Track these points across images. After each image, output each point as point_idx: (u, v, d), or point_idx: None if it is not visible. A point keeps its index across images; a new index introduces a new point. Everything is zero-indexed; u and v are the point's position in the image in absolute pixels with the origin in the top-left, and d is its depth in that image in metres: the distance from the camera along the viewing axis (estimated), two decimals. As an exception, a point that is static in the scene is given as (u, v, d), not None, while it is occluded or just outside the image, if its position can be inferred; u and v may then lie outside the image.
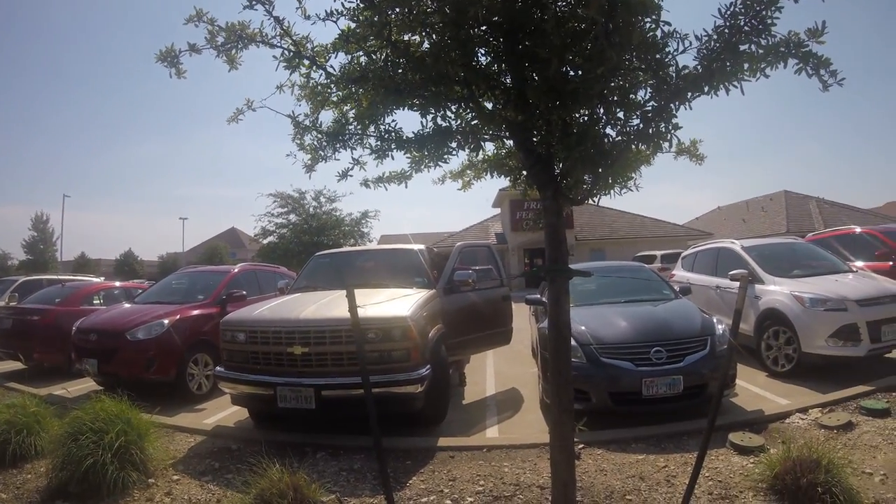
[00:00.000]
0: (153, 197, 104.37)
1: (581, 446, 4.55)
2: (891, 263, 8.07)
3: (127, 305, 8.34)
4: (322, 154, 3.14)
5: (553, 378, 2.47)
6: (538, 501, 3.71)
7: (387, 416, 4.73)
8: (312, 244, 26.16)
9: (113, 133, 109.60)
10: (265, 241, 31.95)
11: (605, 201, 2.78)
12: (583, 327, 5.52)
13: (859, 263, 8.33)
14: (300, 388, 4.85)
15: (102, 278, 14.43)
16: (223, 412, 6.34)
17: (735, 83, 2.28)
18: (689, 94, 2.33)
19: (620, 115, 2.42)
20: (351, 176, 3.04)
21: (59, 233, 44.91)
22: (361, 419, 2.88)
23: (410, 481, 4.15)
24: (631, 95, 2.44)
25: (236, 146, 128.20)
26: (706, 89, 2.31)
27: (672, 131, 2.40)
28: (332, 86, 2.98)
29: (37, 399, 5.31)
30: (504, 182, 3.32)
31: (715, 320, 5.78)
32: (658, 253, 21.25)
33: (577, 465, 3.84)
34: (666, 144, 2.42)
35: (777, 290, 7.02)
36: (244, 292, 8.08)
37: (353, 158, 2.98)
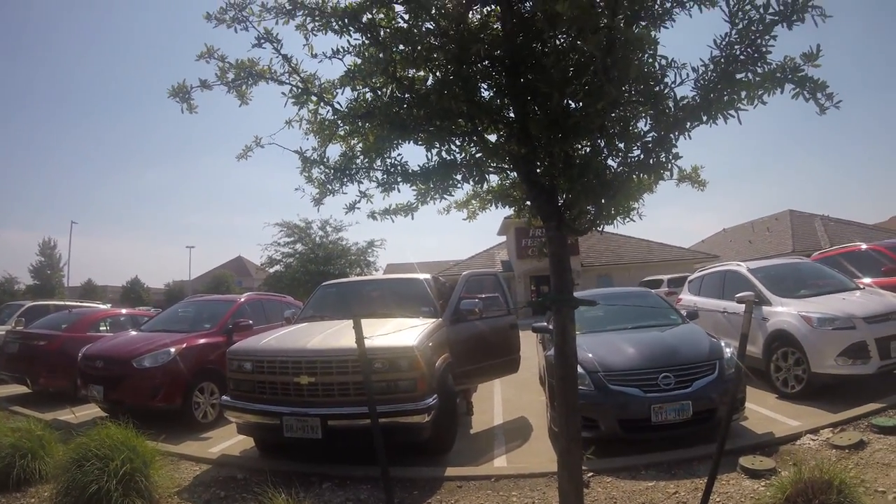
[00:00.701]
0: (160, 225, 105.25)
1: (590, 474, 4.50)
2: None
3: (133, 333, 8.36)
4: (330, 188, 3.19)
5: (560, 407, 2.48)
6: (548, 532, 3.67)
7: (393, 446, 4.71)
8: (319, 273, 26.22)
9: (120, 160, 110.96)
10: (271, 270, 32.07)
11: (610, 227, 2.81)
12: (590, 354, 5.50)
13: (866, 280, 8.29)
14: (306, 417, 4.83)
15: (109, 305, 14.47)
16: (229, 441, 6.30)
17: (732, 112, 2.33)
18: (688, 123, 2.38)
19: (621, 146, 2.47)
20: (358, 209, 3.10)
21: (66, 258, 45.19)
22: (368, 449, 2.88)
23: (418, 512, 4.11)
24: (631, 127, 2.50)
25: (243, 175, 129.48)
26: (704, 119, 2.36)
27: (672, 161, 2.45)
28: (339, 121, 3.05)
29: (42, 424, 5.30)
30: (509, 210, 3.37)
31: (723, 344, 5.74)
32: (665, 277, 21.24)
33: (586, 494, 3.81)
34: (667, 174, 2.46)
35: (784, 312, 6.99)
36: (250, 321, 8.09)
37: (360, 191, 3.04)
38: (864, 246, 9.79)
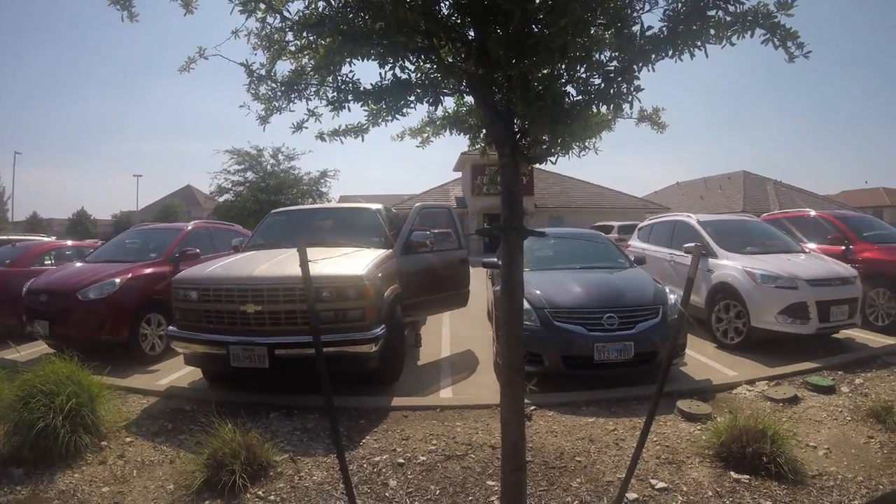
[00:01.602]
0: (107, 153, 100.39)
1: (532, 408, 4.64)
2: (843, 248, 8.37)
3: (78, 265, 8.04)
4: (277, 105, 2.99)
5: (504, 336, 2.48)
6: (490, 461, 3.78)
7: (340, 376, 4.73)
8: (270, 203, 25.50)
9: (66, 88, 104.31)
10: (221, 199, 31.03)
11: (567, 169, 2.76)
12: (538, 291, 5.59)
13: (812, 246, 8.62)
14: (253, 346, 4.78)
15: (54, 238, 13.80)
16: (177, 373, 6.23)
17: (699, 45, 2.26)
18: (653, 55, 2.30)
19: (582, 73, 2.38)
20: (306, 128, 2.93)
21: (11, 192, 43.07)
22: (316, 378, 2.85)
23: (364, 440, 4.17)
24: (594, 54, 2.40)
25: (193, 101, 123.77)
26: (670, 52, 2.28)
27: (634, 93, 2.37)
28: (289, 33, 2.84)
29: None
30: (465, 145, 3.26)
31: (668, 290, 5.91)
32: (615, 224, 21.68)
33: (527, 426, 3.93)
34: (627, 106, 2.39)
35: (730, 265, 7.23)
36: (198, 250, 7.88)
37: (309, 110, 2.86)
38: (813, 213, 10.14)
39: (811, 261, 7.34)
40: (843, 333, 7.32)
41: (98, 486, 3.57)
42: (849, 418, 4.49)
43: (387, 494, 3.40)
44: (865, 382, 5.29)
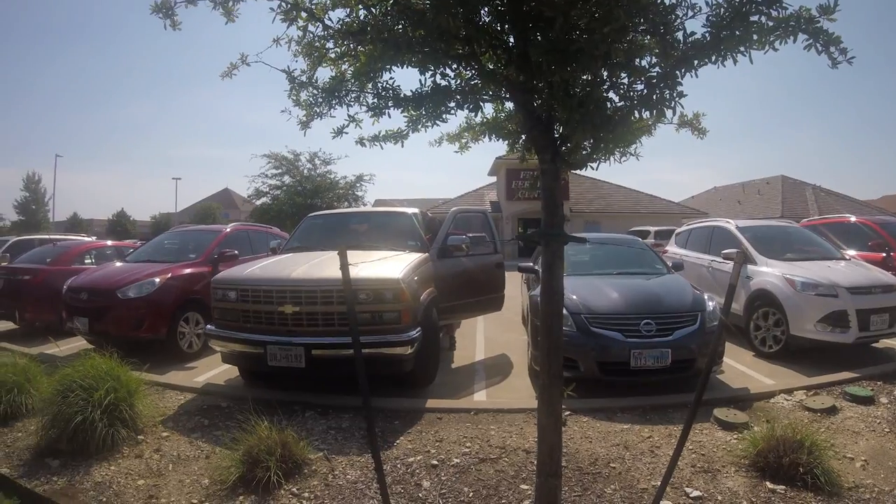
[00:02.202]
0: (146, 157, 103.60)
1: (568, 413, 4.62)
2: (883, 255, 8.09)
3: (118, 264, 8.29)
4: (318, 111, 3.06)
5: (544, 341, 2.48)
6: (523, 465, 3.77)
7: (376, 377, 4.78)
8: (306, 206, 25.99)
9: (105, 92, 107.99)
10: (258, 203, 31.77)
11: (603, 174, 2.75)
12: (574, 296, 5.54)
13: (851, 252, 8.35)
14: (290, 346, 4.87)
15: (94, 238, 14.29)
16: (214, 370, 6.38)
17: (743, 50, 2.23)
18: (696, 61, 2.28)
19: (624, 79, 2.37)
20: (346, 133, 2.97)
21: (52, 193, 44.97)
22: (351, 379, 2.90)
23: (398, 441, 4.21)
24: (636, 60, 2.39)
25: (231, 106, 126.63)
26: (713, 58, 2.26)
27: (677, 99, 2.35)
28: (330, 41, 2.90)
29: (27, 358, 5.30)
30: (501, 149, 3.28)
31: (706, 297, 5.81)
32: (652, 229, 21.30)
33: (562, 432, 3.91)
34: (669, 112, 2.37)
35: (769, 272, 7.06)
36: (236, 252, 8.06)
37: (349, 115, 2.91)
38: (853, 218, 9.83)
39: (851, 268, 7.12)
40: (883, 343, 7.10)
41: (133, 478, 3.67)
42: (887, 430, 4.35)
43: (420, 495, 3.42)
44: (905, 394, 5.10)
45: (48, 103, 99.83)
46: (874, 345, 7.00)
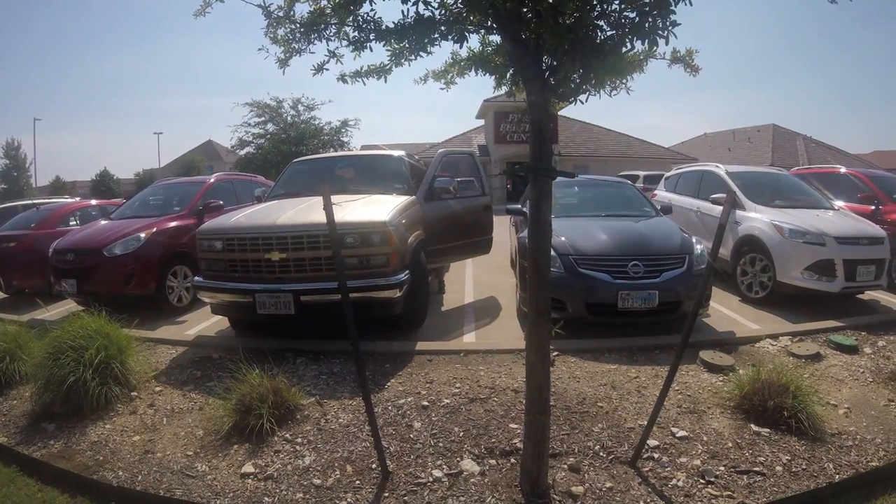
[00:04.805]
0: (126, 112, 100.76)
1: (555, 353, 4.67)
2: (872, 208, 8.11)
3: (103, 222, 8.12)
4: (296, 47, 2.92)
5: (531, 276, 2.46)
6: (512, 404, 3.83)
7: (366, 321, 4.81)
8: (291, 154, 25.42)
9: (80, 49, 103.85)
10: (243, 153, 31.15)
11: (593, 116, 2.67)
12: (562, 238, 5.54)
13: (840, 203, 8.35)
14: (279, 294, 4.85)
15: (77, 199, 13.98)
16: (204, 323, 6.37)
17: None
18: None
19: (616, 6, 2.27)
20: (327, 69, 2.86)
21: (33, 158, 43.82)
22: (341, 323, 2.89)
23: (388, 384, 4.25)
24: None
25: (210, 54, 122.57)
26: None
27: (670, 28, 2.27)
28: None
29: (17, 325, 5.23)
30: (489, 91, 3.17)
31: (694, 240, 5.82)
32: (641, 173, 21.17)
33: (550, 371, 3.96)
34: (662, 42, 2.28)
35: (757, 218, 7.06)
36: (221, 202, 7.93)
37: (329, 51, 2.78)
38: (843, 170, 9.78)
39: (840, 218, 7.12)
40: (869, 294, 7.17)
41: (129, 435, 3.68)
42: (870, 379, 4.41)
43: (411, 436, 3.47)
44: (888, 345, 5.16)
45: (23, 65, 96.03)
46: (859, 296, 7.05)
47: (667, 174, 10.63)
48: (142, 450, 3.47)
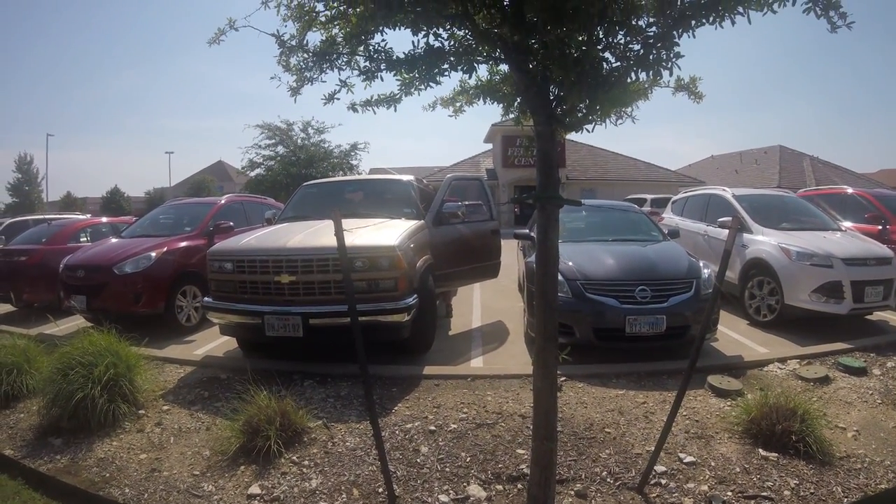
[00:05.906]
0: (138, 130, 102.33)
1: (563, 378, 4.67)
2: (879, 227, 8.10)
3: (114, 240, 8.24)
4: (308, 76, 3.00)
5: (538, 302, 2.48)
6: (520, 429, 3.82)
7: (373, 345, 4.80)
8: (301, 176, 25.68)
9: (92, 66, 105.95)
10: (252, 174, 31.47)
11: (600, 141, 2.72)
12: (570, 263, 5.56)
13: (848, 224, 8.35)
14: (288, 316, 4.88)
15: (89, 215, 14.18)
16: (212, 343, 6.41)
17: (741, 12, 2.19)
18: (693, 21, 2.24)
19: (621, 39, 2.33)
20: (338, 99, 2.91)
21: (45, 173, 44.49)
22: (349, 347, 2.91)
23: (396, 407, 4.26)
24: (633, 19, 2.34)
25: (221, 76, 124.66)
26: (711, 18, 2.22)
27: (673, 59, 2.32)
28: (320, 2, 2.82)
29: (26, 339, 5.29)
30: (496, 116, 3.25)
31: (701, 264, 5.82)
32: (648, 196, 21.21)
33: (558, 397, 3.95)
34: (666, 73, 2.33)
35: (765, 241, 7.07)
36: (231, 223, 8.03)
37: (341, 80, 2.85)
38: (850, 190, 9.80)
39: (847, 239, 7.11)
40: (877, 315, 7.14)
41: (136, 453, 3.69)
42: (879, 401, 4.38)
43: (418, 461, 3.47)
44: (897, 366, 5.15)
45: (36, 80, 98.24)
46: (868, 317, 7.03)
47: (674, 198, 10.67)
48: (148, 468, 3.49)
